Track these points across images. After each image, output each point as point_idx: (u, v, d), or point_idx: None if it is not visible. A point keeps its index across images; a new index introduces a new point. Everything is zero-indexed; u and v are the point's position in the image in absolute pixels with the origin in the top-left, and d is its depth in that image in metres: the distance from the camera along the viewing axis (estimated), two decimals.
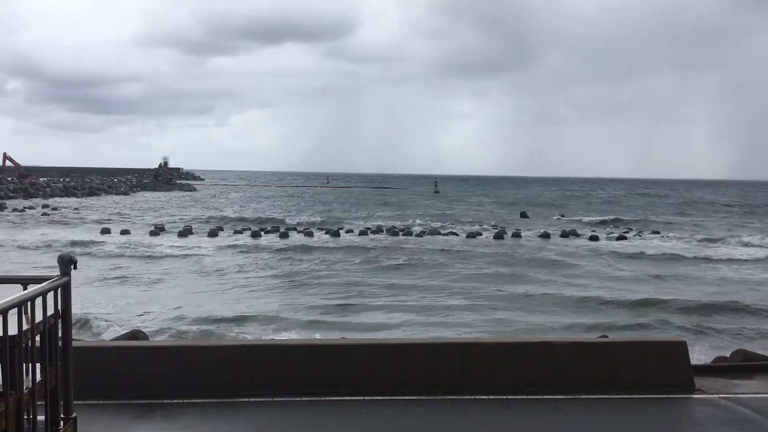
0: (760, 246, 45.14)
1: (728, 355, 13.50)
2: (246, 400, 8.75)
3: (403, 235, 49.96)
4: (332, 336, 17.18)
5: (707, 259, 38.74)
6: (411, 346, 10.03)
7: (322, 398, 8.87)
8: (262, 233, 48.84)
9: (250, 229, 51.28)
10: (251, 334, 18.69)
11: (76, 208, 70.18)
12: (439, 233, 51.25)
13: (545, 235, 50.98)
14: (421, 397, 8.99)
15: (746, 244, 46.28)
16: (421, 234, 50.09)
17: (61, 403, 4.41)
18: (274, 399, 8.80)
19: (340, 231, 50.97)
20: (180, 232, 48.78)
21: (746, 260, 38.43)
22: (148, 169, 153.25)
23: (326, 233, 49.64)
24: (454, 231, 53.05)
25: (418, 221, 62.52)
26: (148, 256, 35.34)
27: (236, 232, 49.49)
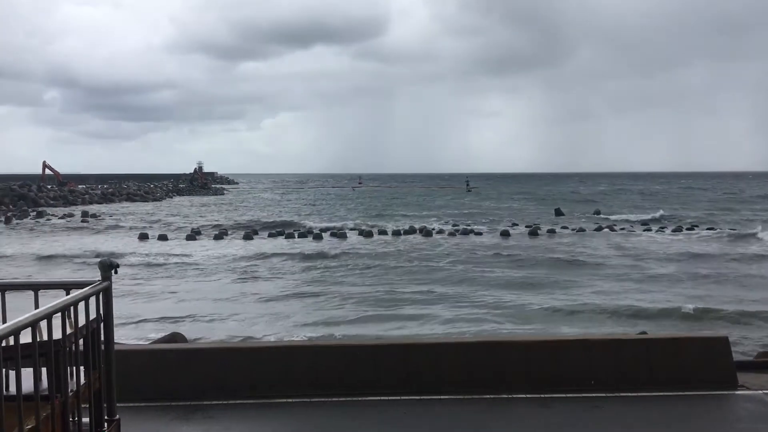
0: None
1: None
2: (283, 400, 8.84)
3: (436, 233, 49.85)
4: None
5: (739, 254, 37.88)
6: (447, 345, 10.01)
7: (359, 398, 8.91)
8: (317, 236, 49.17)
9: (285, 232, 51.64)
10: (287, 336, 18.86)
11: (112, 215, 71.55)
12: (473, 232, 51.00)
13: (581, 230, 50.42)
14: (459, 397, 8.96)
15: None
16: (453, 233, 49.88)
17: (105, 405, 4.51)
18: (311, 399, 8.87)
19: (388, 230, 51.24)
20: (216, 235, 49.44)
21: None
22: (184, 174, 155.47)
23: (380, 233, 49.84)
24: (484, 230, 52.74)
25: (450, 221, 62.32)
26: (184, 262, 35.85)
27: (270, 235, 49.88)
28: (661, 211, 67.67)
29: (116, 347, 4.77)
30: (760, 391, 9.29)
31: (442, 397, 8.96)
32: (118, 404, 4.66)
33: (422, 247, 41.31)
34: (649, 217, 62.71)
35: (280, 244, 44.49)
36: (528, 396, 9.03)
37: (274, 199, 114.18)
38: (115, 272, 4.57)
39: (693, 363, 9.59)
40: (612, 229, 52.09)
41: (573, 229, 51.97)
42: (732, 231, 49.23)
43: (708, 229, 51.50)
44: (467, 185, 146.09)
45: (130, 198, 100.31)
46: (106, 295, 4.49)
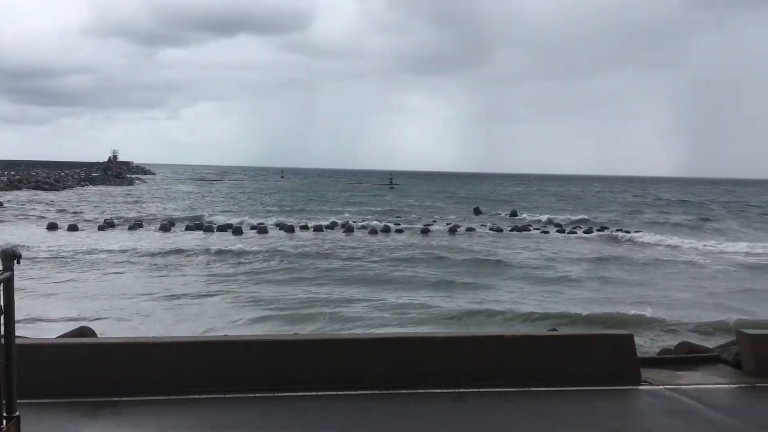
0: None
1: (673, 347, 13.91)
2: (199, 396, 8.65)
3: (358, 230, 49.98)
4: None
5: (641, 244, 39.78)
6: (367, 341, 10.06)
7: (278, 394, 8.83)
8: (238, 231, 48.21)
9: (193, 224, 50.49)
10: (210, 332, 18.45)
11: (19, 204, 68.06)
12: (394, 229, 51.42)
13: (498, 229, 51.73)
14: (377, 392, 9.02)
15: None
16: (375, 230, 50.12)
17: (3, 401, 4.29)
18: (227, 395, 8.72)
19: (309, 226, 50.87)
20: (130, 226, 47.86)
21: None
22: (97, 163, 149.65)
23: (280, 229, 49.34)
24: (405, 227, 53.25)
25: (370, 217, 62.60)
26: (95, 252, 34.51)
27: (188, 228, 48.69)
28: (581, 215, 69.67)
29: (19, 341, 4.54)
30: (662, 386, 9.79)
31: (360, 392, 8.98)
32: (19, 401, 4.43)
33: (343, 244, 41.35)
34: (563, 218, 64.77)
35: (197, 237, 43.49)
36: (445, 391, 9.19)
37: (192, 191, 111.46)
38: (18, 262, 4.35)
39: (600, 359, 10.01)
40: (527, 230, 53.71)
41: (491, 228, 53.30)
42: (637, 233, 51.64)
43: (617, 230, 53.81)
44: (390, 182, 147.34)
45: (39, 186, 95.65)
46: (7, 286, 4.27)
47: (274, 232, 47.79)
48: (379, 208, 76.95)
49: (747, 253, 40.42)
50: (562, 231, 54.04)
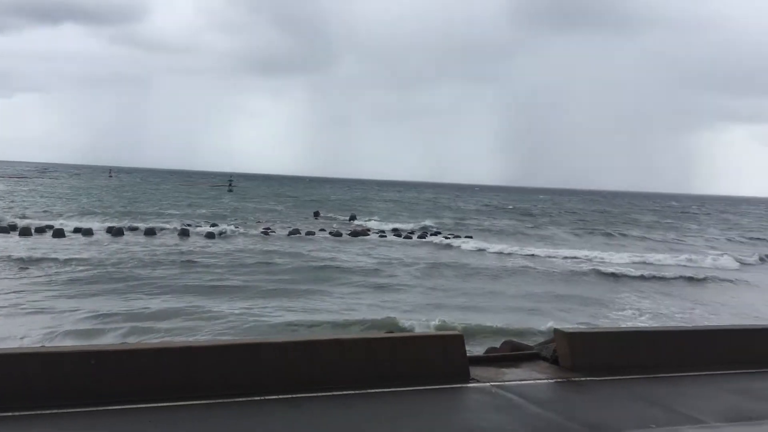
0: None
1: (498, 346, 14.79)
2: (11, 414, 7.85)
3: (194, 234, 48.20)
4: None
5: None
6: (200, 348, 9.66)
7: (103, 408, 8.23)
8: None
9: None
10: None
11: None
12: (233, 232, 50.21)
13: (337, 234, 52.23)
14: (211, 401, 8.71)
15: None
16: (212, 234, 48.62)
17: None
18: (44, 412, 7.99)
19: (140, 228, 48.10)
20: None
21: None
22: None
23: (131, 230, 46.28)
24: (240, 231, 52.15)
25: (205, 221, 60.72)
26: None
27: (2, 230, 44.22)
28: (417, 220, 72.07)
29: None
30: (488, 383, 10.35)
31: (191, 402, 8.62)
32: None
33: (175, 249, 39.58)
34: (400, 224, 66.64)
35: (11, 241, 39.70)
36: (281, 397, 9.07)
37: (3, 189, 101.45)
38: None
39: (433, 359, 10.41)
40: (366, 234, 54.75)
41: (331, 233, 53.69)
42: (468, 238, 54.46)
43: (451, 235, 56.36)
44: (230, 184, 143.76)
45: None
46: None
47: (100, 235, 44.78)
48: (216, 211, 74.72)
49: (566, 258, 44.02)
50: (399, 235, 55.65)
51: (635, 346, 11.93)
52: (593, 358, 11.43)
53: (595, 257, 44.24)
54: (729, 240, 67.54)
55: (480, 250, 47.51)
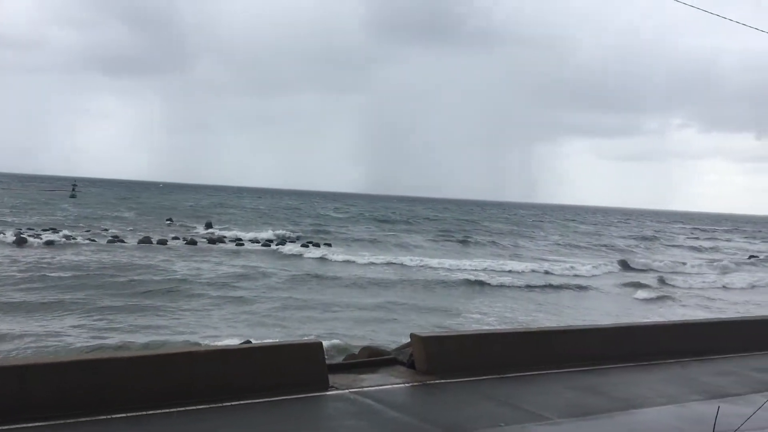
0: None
1: (357, 353, 14.86)
2: None
3: (28, 244, 44.51)
4: None
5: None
6: (36, 366, 8.85)
7: None
8: None
9: None
10: None
11: None
12: (73, 243, 46.98)
13: (192, 242, 50.41)
14: (48, 423, 8.00)
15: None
16: (50, 242, 45.19)
17: None
18: None
19: None
20: None
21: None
22: None
23: None
24: (83, 240, 48.87)
25: (48, 228, 56.46)
26: None
27: None
28: (276, 228, 70.81)
29: None
30: (347, 390, 10.34)
31: (26, 425, 7.87)
32: None
33: (12, 258, 36.44)
34: (258, 233, 65.34)
35: None
36: (127, 415, 8.52)
37: None
38: None
39: (292, 368, 10.24)
40: (222, 242, 53.32)
41: (185, 241, 51.74)
42: (326, 245, 54.66)
43: (313, 244, 56.26)
44: (73, 189, 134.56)
45: None
46: None
47: None
48: (56, 218, 69.57)
49: (424, 266, 45.25)
50: (257, 242, 54.73)
51: (486, 347, 12.42)
52: (447, 360, 11.77)
53: (454, 265, 45.86)
54: (576, 247, 72.38)
55: (347, 260, 46.30)
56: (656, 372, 12.84)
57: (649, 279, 44.98)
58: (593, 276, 46.23)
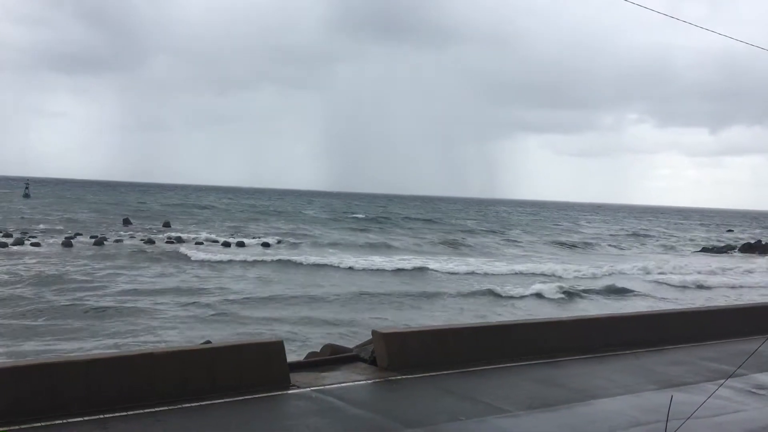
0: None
1: (319, 350, 14.84)
2: None
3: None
4: None
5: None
6: None
7: None
8: None
9: None
10: None
11: None
12: (29, 243, 45.80)
13: (150, 242, 49.60)
14: (1, 430, 7.81)
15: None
16: (5, 244, 43.97)
17: None
18: None
19: None
20: None
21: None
22: None
23: None
24: (40, 239, 47.76)
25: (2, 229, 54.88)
26: None
27: None
28: (236, 226, 69.36)
29: None
30: (309, 388, 10.34)
31: None
32: None
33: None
34: (218, 233, 64.44)
35: None
36: (86, 419, 8.39)
37: None
38: None
39: (253, 368, 10.19)
40: (181, 241, 52.54)
41: (142, 239, 50.88)
42: (296, 247, 54.28)
43: (277, 242, 55.81)
44: (26, 189, 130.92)
45: None
46: None
47: None
48: (11, 217, 67.68)
49: (388, 261, 45.28)
50: (215, 242, 54.10)
51: (445, 342, 12.54)
52: (408, 356, 11.86)
53: (425, 264, 44.27)
54: (554, 244, 71.69)
55: (319, 262, 43.23)
56: (612, 363, 13.15)
57: None
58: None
